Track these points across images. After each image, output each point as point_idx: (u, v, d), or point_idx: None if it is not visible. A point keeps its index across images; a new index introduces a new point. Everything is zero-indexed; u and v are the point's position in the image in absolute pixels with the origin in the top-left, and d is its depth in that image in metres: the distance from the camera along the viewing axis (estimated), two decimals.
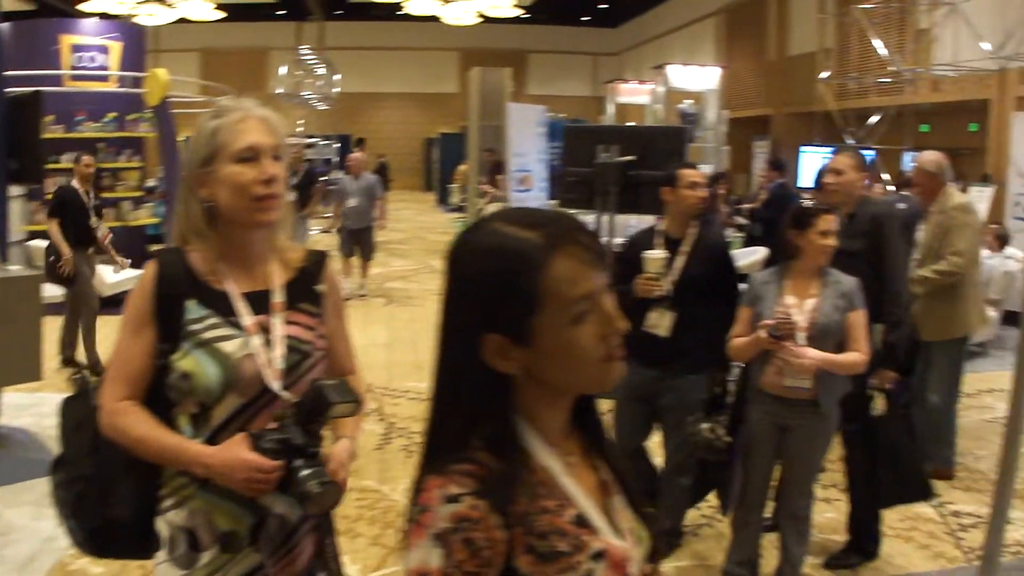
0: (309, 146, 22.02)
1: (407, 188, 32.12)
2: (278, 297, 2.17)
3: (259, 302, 2.15)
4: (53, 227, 7.91)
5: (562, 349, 1.28)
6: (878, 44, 14.38)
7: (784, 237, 3.79)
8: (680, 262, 4.32)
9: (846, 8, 16.21)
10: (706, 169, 11.76)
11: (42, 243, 8.50)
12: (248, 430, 2.02)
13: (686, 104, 14.01)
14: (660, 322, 4.28)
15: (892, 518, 5.25)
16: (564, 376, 1.31)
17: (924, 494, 4.57)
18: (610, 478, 1.43)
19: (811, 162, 14.10)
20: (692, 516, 5.04)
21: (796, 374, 3.71)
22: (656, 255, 4.28)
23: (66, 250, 7.74)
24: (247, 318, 2.11)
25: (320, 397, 1.99)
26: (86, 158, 8.39)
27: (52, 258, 7.83)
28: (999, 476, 3.25)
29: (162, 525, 2.15)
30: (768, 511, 4.28)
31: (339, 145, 24.57)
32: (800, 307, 3.72)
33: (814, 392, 3.72)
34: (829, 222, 3.72)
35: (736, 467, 4.01)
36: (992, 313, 9.28)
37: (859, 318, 3.75)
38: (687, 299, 4.28)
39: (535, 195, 13.31)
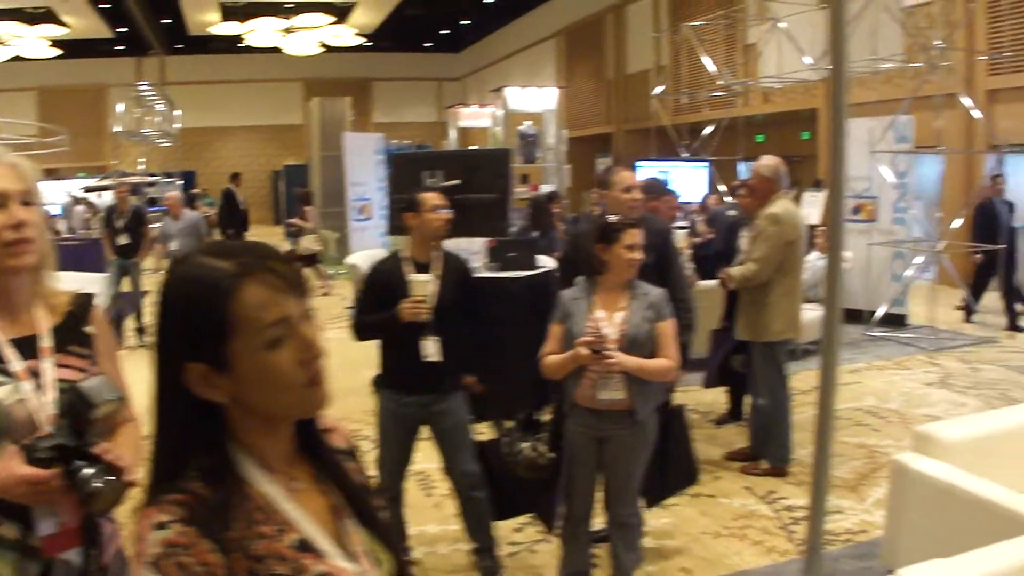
0: (151, 184, 21.50)
1: (257, 222, 31.47)
2: (46, 341, 2.15)
3: (27, 347, 2.12)
4: None
5: (260, 374, 1.31)
6: (707, 61, 14.84)
7: (591, 252, 3.86)
8: (434, 286, 4.31)
9: (678, 26, 16.69)
10: (545, 188, 11.94)
11: None
12: (20, 442, 1.98)
13: (526, 125, 14.17)
14: (429, 348, 4.27)
15: (726, 518, 5.42)
16: (267, 402, 1.34)
17: (694, 479, 4.78)
18: (341, 502, 1.45)
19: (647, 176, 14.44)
20: (529, 532, 5.10)
21: (610, 387, 3.78)
22: (423, 278, 4.26)
23: None
24: (16, 364, 2.08)
25: (81, 398, 1.97)
26: None
27: None
28: (814, 467, 3.38)
29: None
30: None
31: (183, 182, 24.02)
32: (610, 320, 3.79)
33: (629, 402, 3.79)
34: (634, 236, 3.80)
35: (561, 482, 4.06)
36: (823, 312, 9.61)
37: (667, 327, 3.84)
38: (446, 321, 4.29)
39: (375, 223, 13.28)
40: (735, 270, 6.01)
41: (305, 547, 1.33)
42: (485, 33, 32.52)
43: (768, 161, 6.13)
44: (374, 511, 1.51)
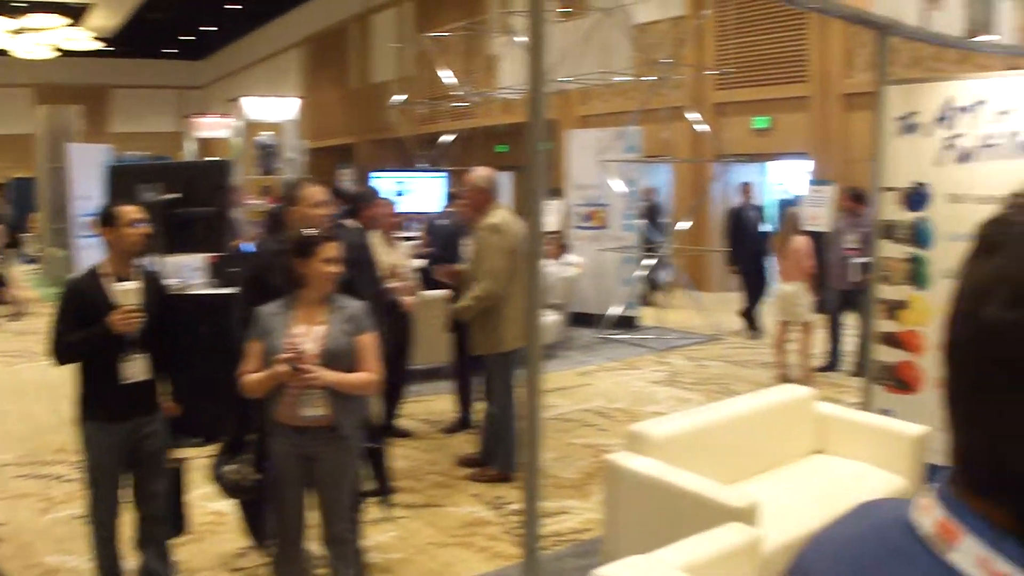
0: None
1: None
2: None
3: None
4: None
5: None
6: (445, 73, 15.01)
7: (289, 266, 3.79)
8: (139, 297, 4.13)
9: (421, 37, 16.81)
10: None
11: None
12: None
13: (264, 136, 13.91)
14: (135, 368, 4.11)
15: (452, 526, 5.45)
16: None
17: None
18: None
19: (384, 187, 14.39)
20: (253, 557, 4.96)
21: (311, 403, 3.72)
22: (130, 286, 4.08)
23: None
24: None
25: None
26: None
27: None
28: (526, 469, 3.44)
29: None
30: None
31: None
32: (309, 335, 3.74)
33: (331, 418, 3.74)
34: (332, 249, 3.76)
35: (269, 503, 3.96)
36: (555, 316, 9.89)
37: (368, 340, 3.83)
38: (148, 339, 4.16)
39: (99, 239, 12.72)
40: (467, 300, 6.03)
41: None
42: (228, 41, 31.82)
43: (481, 172, 6.22)
44: None
